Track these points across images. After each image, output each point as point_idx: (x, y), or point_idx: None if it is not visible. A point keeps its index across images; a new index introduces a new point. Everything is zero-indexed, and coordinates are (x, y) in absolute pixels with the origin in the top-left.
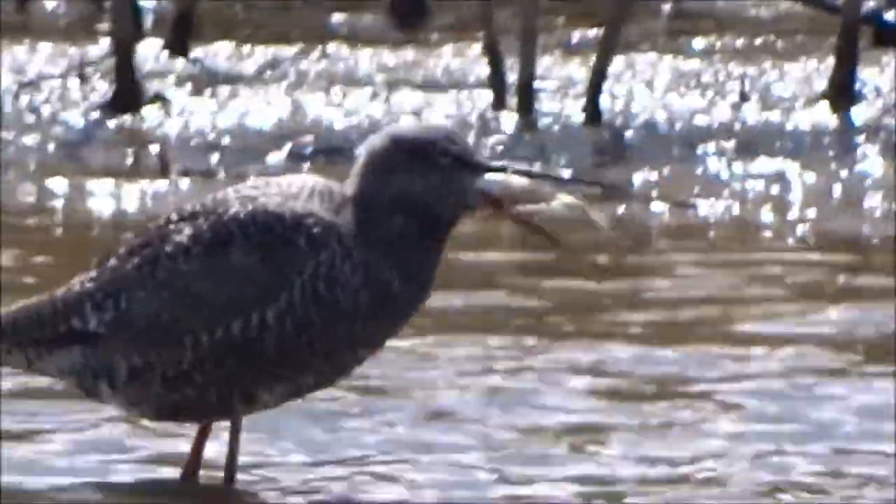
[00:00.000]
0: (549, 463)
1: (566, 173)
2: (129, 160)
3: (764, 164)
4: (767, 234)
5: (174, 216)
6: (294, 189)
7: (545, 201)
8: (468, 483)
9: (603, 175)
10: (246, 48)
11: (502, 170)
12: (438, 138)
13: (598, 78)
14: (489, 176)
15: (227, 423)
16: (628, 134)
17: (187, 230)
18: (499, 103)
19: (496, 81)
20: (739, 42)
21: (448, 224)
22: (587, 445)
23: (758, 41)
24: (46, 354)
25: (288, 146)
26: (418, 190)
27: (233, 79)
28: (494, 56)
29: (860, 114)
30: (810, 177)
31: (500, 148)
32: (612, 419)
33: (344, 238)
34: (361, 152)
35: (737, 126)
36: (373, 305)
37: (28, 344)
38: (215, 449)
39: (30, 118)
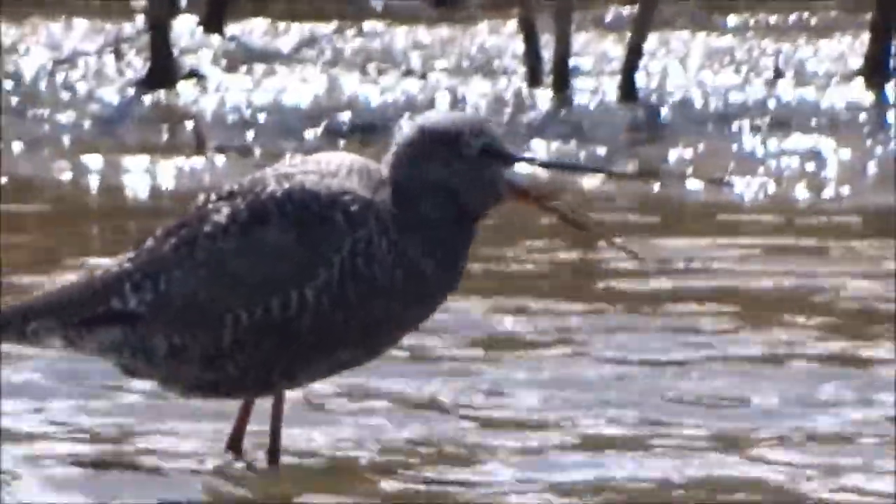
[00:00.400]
0: None
1: (596, 163)
2: (165, 136)
3: (798, 140)
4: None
5: (213, 196)
6: (332, 167)
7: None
8: None
9: (637, 153)
10: (282, 25)
11: (531, 161)
12: (466, 129)
13: (633, 55)
14: (517, 167)
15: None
16: (663, 111)
17: (225, 210)
18: (534, 80)
19: (531, 59)
20: (773, 18)
21: (476, 213)
22: None
23: (792, 17)
24: (86, 333)
25: (324, 123)
26: (446, 180)
27: (268, 56)
28: (530, 33)
29: (895, 90)
30: (845, 153)
31: (535, 125)
32: None
33: (381, 215)
34: (394, 141)
35: (771, 103)
36: (407, 286)
37: (67, 324)
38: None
39: (65, 95)
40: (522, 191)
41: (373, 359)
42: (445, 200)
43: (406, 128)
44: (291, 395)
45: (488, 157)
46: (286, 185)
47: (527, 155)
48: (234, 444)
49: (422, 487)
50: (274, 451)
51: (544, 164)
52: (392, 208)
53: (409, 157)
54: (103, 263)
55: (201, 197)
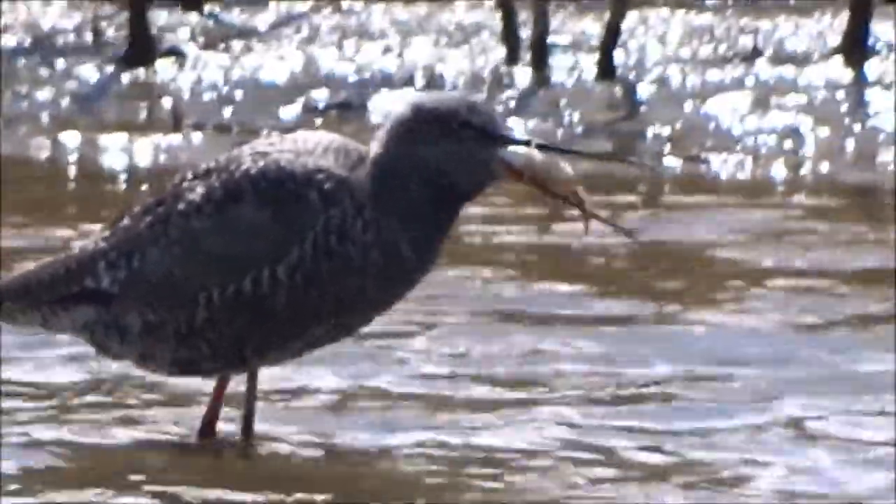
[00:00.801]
0: None
1: (593, 142)
2: (143, 114)
3: (777, 118)
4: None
5: (189, 174)
6: (309, 145)
7: (566, 180)
8: None
9: (615, 130)
10: (259, 3)
11: (526, 143)
12: (460, 109)
13: (611, 33)
14: (512, 148)
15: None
16: (641, 89)
17: (199, 188)
18: (512, 58)
19: (509, 36)
20: None
21: (467, 195)
22: None
23: None
24: (61, 312)
25: (301, 100)
26: (439, 160)
27: (246, 33)
28: (507, 11)
29: (873, 68)
30: (823, 131)
31: (513, 103)
32: None
33: (356, 194)
34: (385, 121)
35: (749, 81)
36: (382, 265)
37: (43, 303)
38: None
39: (44, 72)
40: (516, 171)
41: (346, 336)
42: (435, 182)
43: (399, 107)
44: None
45: (482, 137)
46: (261, 163)
47: (522, 136)
48: (208, 428)
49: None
50: (248, 431)
51: (540, 146)
52: (373, 187)
53: (401, 136)
54: (80, 242)
55: (177, 175)
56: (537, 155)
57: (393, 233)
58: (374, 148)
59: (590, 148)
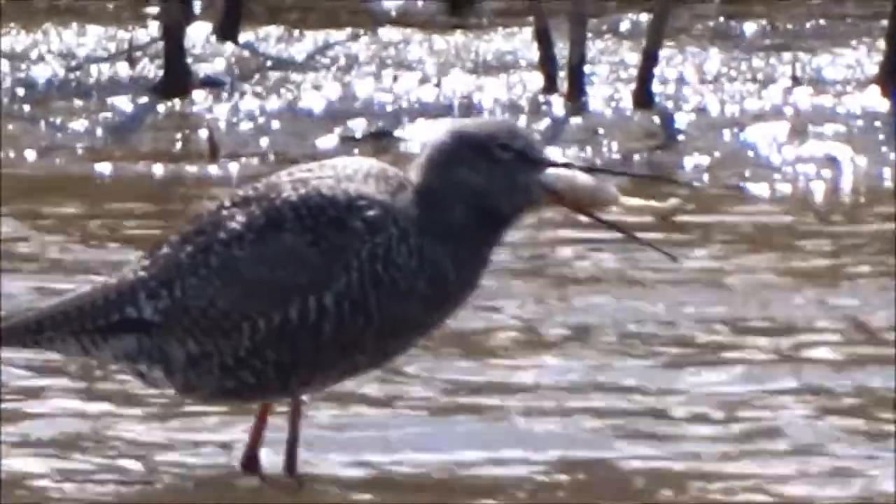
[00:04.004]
0: None
1: (630, 169)
2: (179, 144)
3: (815, 147)
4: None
5: (227, 202)
6: (349, 171)
7: (607, 202)
8: None
9: (653, 159)
10: (296, 32)
11: (567, 166)
12: (500, 133)
13: (648, 62)
14: (553, 171)
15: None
16: (678, 118)
17: (240, 216)
18: (549, 87)
19: (546, 65)
20: (790, 26)
21: (509, 218)
22: None
23: (809, 25)
24: (102, 342)
25: (338, 130)
26: (479, 185)
27: (283, 63)
28: (544, 39)
29: None
30: (861, 160)
31: (551, 131)
32: None
33: (400, 221)
34: (425, 146)
35: (787, 110)
36: (427, 290)
37: (83, 332)
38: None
39: (78, 102)
40: (559, 195)
41: (389, 362)
42: (477, 205)
43: (439, 133)
44: None
45: (523, 161)
46: (302, 191)
47: (563, 160)
48: (251, 461)
49: None
50: (291, 465)
51: (582, 169)
52: (416, 212)
53: (441, 162)
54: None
55: (215, 203)
56: (581, 177)
57: (437, 256)
58: (414, 174)
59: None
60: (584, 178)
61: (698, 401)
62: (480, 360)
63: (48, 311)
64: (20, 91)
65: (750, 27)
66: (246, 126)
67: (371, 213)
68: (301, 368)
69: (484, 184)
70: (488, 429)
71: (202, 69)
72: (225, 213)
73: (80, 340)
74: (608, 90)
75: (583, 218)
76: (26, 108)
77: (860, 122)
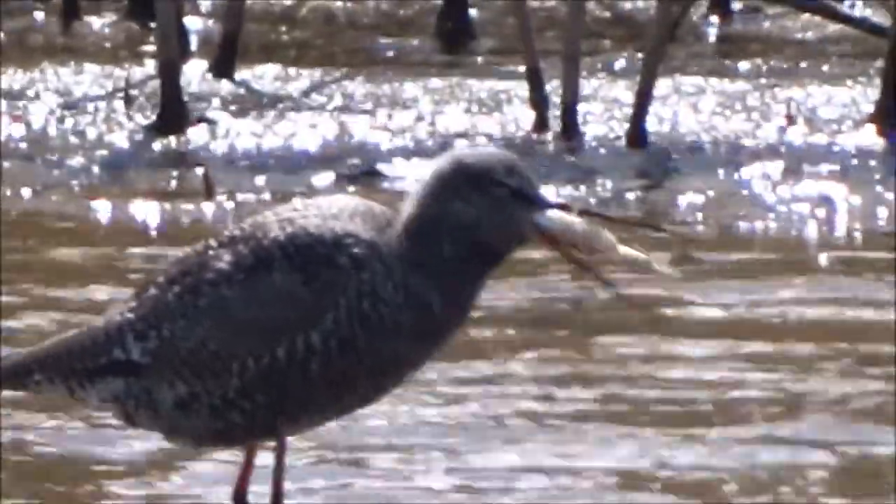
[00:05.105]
0: None
1: (632, 217)
2: (175, 182)
3: (810, 186)
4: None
5: (213, 242)
6: (334, 210)
7: (606, 249)
8: None
9: (647, 199)
10: (292, 71)
11: (565, 207)
12: (498, 167)
13: (642, 100)
14: (550, 213)
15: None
16: (673, 157)
17: (227, 256)
18: (542, 126)
19: (538, 103)
20: (786, 65)
21: (498, 255)
22: None
23: (804, 64)
24: (88, 384)
25: (334, 168)
26: (470, 219)
27: (278, 101)
28: (535, 78)
29: None
30: (856, 199)
31: (544, 169)
32: None
33: (385, 258)
34: (427, 174)
35: (783, 149)
36: (414, 325)
37: (70, 374)
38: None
39: (74, 140)
40: (550, 237)
41: (376, 399)
42: (466, 239)
43: (441, 160)
44: None
45: (517, 199)
46: (289, 229)
47: (559, 201)
48: (239, 497)
49: None
50: (277, 498)
51: (583, 213)
52: (403, 245)
53: (437, 192)
54: (108, 311)
55: (201, 244)
56: (578, 222)
57: (424, 290)
58: (407, 205)
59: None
60: (581, 224)
61: None
62: None
63: (38, 352)
64: (17, 130)
65: (745, 66)
66: (242, 164)
67: (357, 250)
68: (289, 408)
69: (475, 217)
70: None
71: (198, 107)
72: (212, 253)
73: (67, 382)
74: (602, 129)
75: (573, 266)
76: (23, 146)
77: (855, 161)
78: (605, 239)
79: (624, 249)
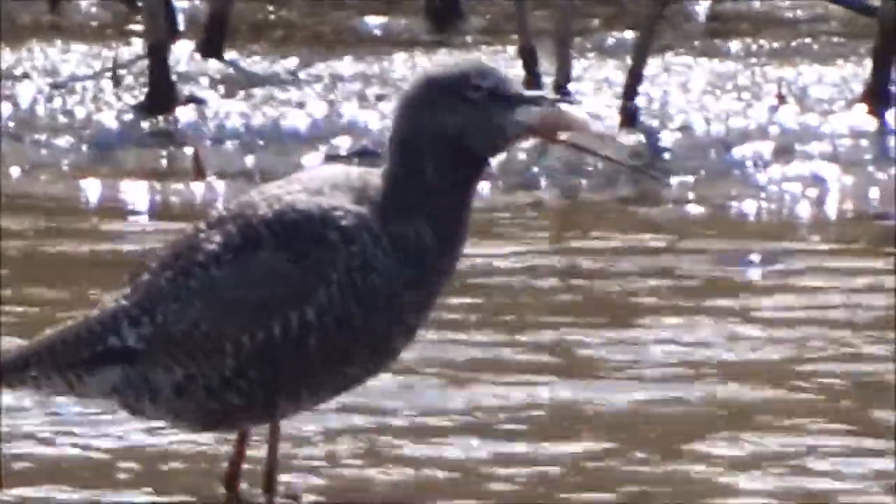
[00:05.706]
0: None
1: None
2: (164, 162)
3: (801, 166)
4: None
5: (202, 224)
6: (315, 184)
7: (582, 128)
8: None
9: (638, 178)
10: (281, 50)
11: (538, 99)
12: (470, 73)
13: (633, 80)
14: (526, 106)
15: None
16: (664, 136)
17: (216, 237)
18: None
19: (531, 82)
20: (776, 44)
21: (485, 158)
22: None
23: (794, 43)
24: (87, 376)
25: (323, 148)
26: (454, 127)
27: (267, 81)
28: (529, 58)
29: None
30: (847, 179)
31: (534, 150)
32: None
33: (371, 223)
34: (398, 101)
35: (773, 129)
36: (412, 272)
37: (67, 367)
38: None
39: (63, 120)
40: (532, 128)
41: (375, 375)
42: (450, 150)
43: (409, 83)
44: None
45: (496, 99)
46: (276, 207)
47: (535, 93)
48: (231, 481)
49: None
50: (270, 486)
51: (555, 101)
52: (384, 193)
53: (413, 113)
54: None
55: (191, 226)
56: (553, 109)
57: (410, 228)
58: (390, 130)
59: (614, 195)
60: (557, 109)
61: None
62: None
63: (33, 347)
64: (5, 109)
65: (735, 45)
66: (231, 143)
67: (345, 223)
68: (288, 386)
69: (458, 125)
70: None
71: (187, 87)
72: (202, 235)
73: (65, 376)
74: (593, 108)
75: (555, 144)
76: (11, 125)
77: (847, 141)
78: (580, 118)
79: (595, 125)
